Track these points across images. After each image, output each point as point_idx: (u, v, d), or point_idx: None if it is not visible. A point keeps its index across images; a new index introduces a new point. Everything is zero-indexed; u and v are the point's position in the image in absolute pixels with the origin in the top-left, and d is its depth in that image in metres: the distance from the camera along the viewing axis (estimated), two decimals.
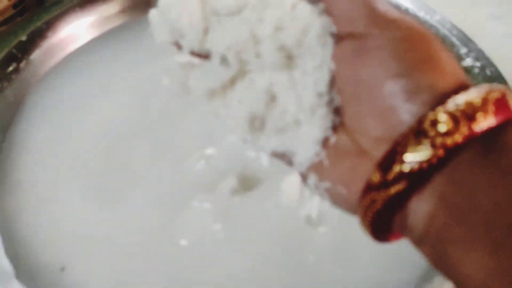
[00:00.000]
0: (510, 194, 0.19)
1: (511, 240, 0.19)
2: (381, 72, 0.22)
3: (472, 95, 0.20)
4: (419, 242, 0.21)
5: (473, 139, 0.20)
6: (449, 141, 0.20)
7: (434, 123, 0.20)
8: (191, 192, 0.39)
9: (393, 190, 0.21)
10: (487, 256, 0.19)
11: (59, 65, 0.48)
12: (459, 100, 0.20)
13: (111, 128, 0.43)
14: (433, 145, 0.20)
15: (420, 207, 0.21)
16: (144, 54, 0.48)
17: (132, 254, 0.37)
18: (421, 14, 0.47)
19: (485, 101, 0.20)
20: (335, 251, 0.36)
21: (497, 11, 0.54)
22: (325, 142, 0.24)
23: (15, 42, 0.46)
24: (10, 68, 0.45)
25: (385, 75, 0.22)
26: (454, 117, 0.20)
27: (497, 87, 0.21)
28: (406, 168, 0.20)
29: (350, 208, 0.24)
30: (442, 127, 0.20)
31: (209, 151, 0.41)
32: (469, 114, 0.20)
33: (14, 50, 0.46)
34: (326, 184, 0.24)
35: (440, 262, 0.21)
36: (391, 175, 0.21)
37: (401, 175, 0.20)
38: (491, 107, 0.20)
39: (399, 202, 0.21)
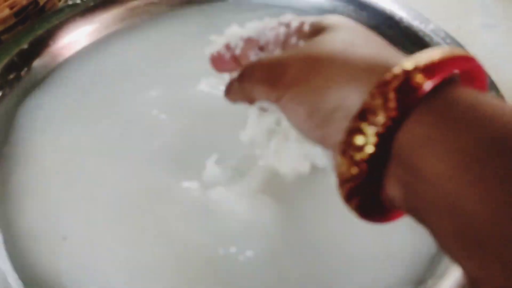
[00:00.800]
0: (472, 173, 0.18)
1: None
2: (303, 114, 0.24)
3: (397, 69, 0.21)
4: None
5: (410, 112, 0.20)
6: (379, 127, 0.20)
7: (363, 116, 0.21)
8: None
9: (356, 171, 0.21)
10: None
11: (59, 72, 0.49)
12: (387, 76, 0.21)
13: (114, 134, 0.44)
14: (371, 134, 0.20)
15: (393, 193, 0.21)
16: (145, 60, 0.49)
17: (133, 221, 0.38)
18: (416, 23, 0.48)
19: (415, 69, 0.20)
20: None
21: (490, 20, 0.55)
22: None
23: (16, 50, 0.47)
24: (11, 76, 0.46)
25: (307, 114, 0.24)
26: (383, 98, 0.20)
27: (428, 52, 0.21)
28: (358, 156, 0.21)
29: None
30: (372, 117, 0.20)
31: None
32: (397, 88, 0.20)
33: (15, 58, 0.47)
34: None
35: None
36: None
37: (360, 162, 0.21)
38: (420, 72, 0.20)
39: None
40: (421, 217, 0.20)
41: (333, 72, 0.23)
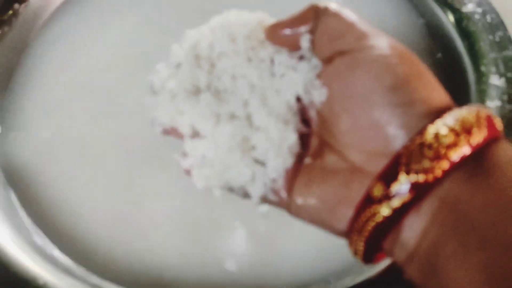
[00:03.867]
0: (502, 212, 0.20)
1: (503, 256, 0.19)
2: (374, 84, 0.22)
3: (465, 111, 0.21)
4: (407, 258, 0.22)
5: (475, 152, 0.20)
6: (452, 153, 0.20)
7: (436, 135, 0.20)
8: None
9: (397, 202, 0.21)
10: (479, 271, 0.19)
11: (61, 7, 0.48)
12: (456, 115, 0.21)
13: (116, 64, 0.44)
14: (438, 157, 0.20)
15: (415, 222, 0.21)
16: None
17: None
18: None
19: (478, 117, 0.21)
20: None
21: None
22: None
23: None
24: (10, 12, 0.46)
25: (379, 88, 0.22)
26: (454, 130, 0.20)
27: (482, 107, 0.22)
28: (412, 179, 0.20)
29: (333, 229, 0.24)
30: (445, 139, 0.20)
31: None
32: (466, 128, 0.21)
33: None
34: (313, 202, 0.25)
35: (428, 279, 0.21)
36: (395, 187, 0.21)
37: (406, 187, 0.20)
38: (483, 123, 0.21)
39: (400, 216, 0.21)
40: (435, 253, 0.21)
41: (420, 73, 0.23)
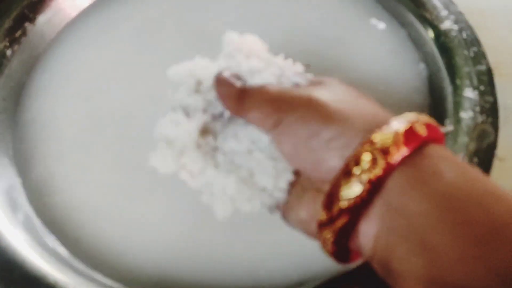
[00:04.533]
0: (438, 216, 0.22)
1: (443, 257, 0.21)
2: (302, 136, 0.27)
3: (384, 132, 0.25)
4: (370, 260, 0.25)
5: (395, 169, 0.24)
6: (371, 175, 0.24)
7: (357, 162, 0.24)
8: None
9: (339, 223, 0.25)
10: (423, 271, 0.22)
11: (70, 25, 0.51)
12: (375, 138, 0.24)
13: (123, 77, 0.47)
14: (361, 181, 0.24)
15: (367, 230, 0.25)
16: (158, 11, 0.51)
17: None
18: None
19: (396, 135, 0.24)
20: None
21: None
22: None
23: (26, 1, 0.50)
24: (20, 32, 0.49)
25: (306, 137, 0.27)
26: (372, 154, 0.24)
27: (408, 117, 0.26)
28: (344, 204, 0.24)
29: (312, 237, 0.28)
30: (364, 165, 0.24)
31: None
32: (383, 149, 0.24)
33: (26, 10, 0.49)
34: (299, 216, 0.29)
35: (387, 278, 0.24)
36: (334, 212, 0.25)
37: (342, 211, 0.24)
38: (401, 140, 0.24)
39: (349, 231, 0.25)
40: (387, 256, 0.24)
41: (334, 111, 0.27)
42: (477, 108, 0.41)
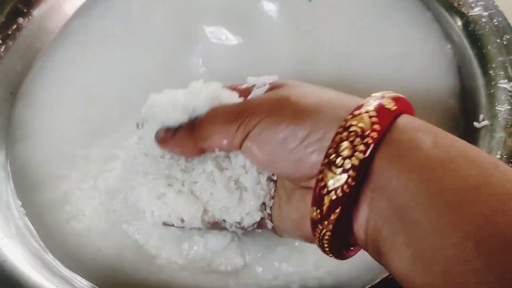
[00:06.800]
0: (415, 190, 0.22)
1: (421, 231, 0.21)
2: (277, 141, 0.27)
3: (357, 116, 0.24)
4: (365, 247, 0.25)
5: (375, 149, 0.23)
6: (353, 160, 0.23)
7: (337, 151, 0.24)
8: None
9: (333, 218, 0.24)
10: (404, 248, 0.22)
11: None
12: (349, 124, 0.24)
13: (119, 78, 0.44)
14: (344, 169, 0.23)
15: (361, 217, 0.24)
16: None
17: None
18: None
19: (368, 116, 0.24)
20: None
21: None
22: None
23: None
24: (14, 26, 0.46)
25: (282, 140, 0.27)
26: (350, 140, 0.24)
27: (374, 96, 0.25)
28: (333, 196, 0.24)
29: (308, 240, 0.28)
30: (344, 152, 0.23)
31: None
32: (359, 133, 0.24)
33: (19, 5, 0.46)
34: (286, 221, 0.29)
35: (380, 261, 0.24)
36: (325, 206, 0.24)
37: (333, 203, 0.24)
38: (374, 119, 0.24)
39: (344, 224, 0.24)
40: (375, 240, 0.23)
41: (304, 107, 0.27)
42: None
